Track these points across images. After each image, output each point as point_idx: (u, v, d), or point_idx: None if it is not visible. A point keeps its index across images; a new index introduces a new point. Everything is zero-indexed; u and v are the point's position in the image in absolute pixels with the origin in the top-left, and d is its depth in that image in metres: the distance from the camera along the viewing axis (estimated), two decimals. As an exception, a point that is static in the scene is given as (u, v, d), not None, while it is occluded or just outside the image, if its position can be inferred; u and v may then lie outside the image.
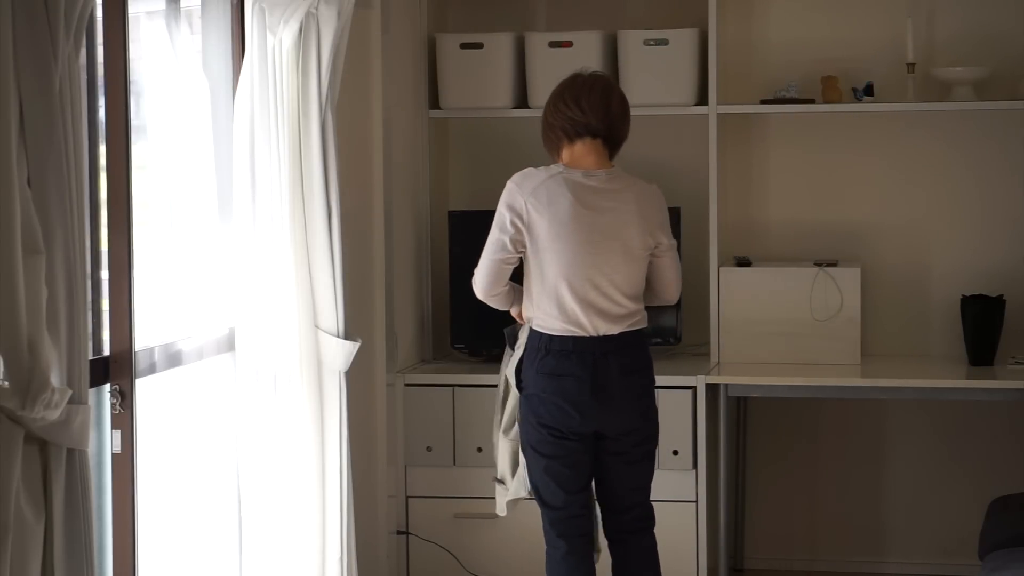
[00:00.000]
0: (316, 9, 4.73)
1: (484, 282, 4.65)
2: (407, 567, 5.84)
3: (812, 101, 5.93)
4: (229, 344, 4.76)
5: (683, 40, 5.91)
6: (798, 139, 6.14)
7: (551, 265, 4.54)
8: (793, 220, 6.15)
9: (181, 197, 4.60)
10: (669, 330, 5.91)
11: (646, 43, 5.92)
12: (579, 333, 4.55)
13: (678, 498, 5.61)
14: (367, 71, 5.51)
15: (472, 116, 6.16)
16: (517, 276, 4.68)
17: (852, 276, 5.83)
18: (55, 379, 3.34)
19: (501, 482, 4.81)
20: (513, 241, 4.56)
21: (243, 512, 4.79)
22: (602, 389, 4.55)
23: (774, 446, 6.20)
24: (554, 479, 4.60)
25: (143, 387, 4.15)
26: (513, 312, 4.73)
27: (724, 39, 6.02)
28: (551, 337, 4.56)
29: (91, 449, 3.51)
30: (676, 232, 5.68)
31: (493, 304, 4.72)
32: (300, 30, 4.71)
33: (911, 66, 5.84)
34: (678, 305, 5.84)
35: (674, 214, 5.60)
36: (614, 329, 4.57)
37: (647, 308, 4.69)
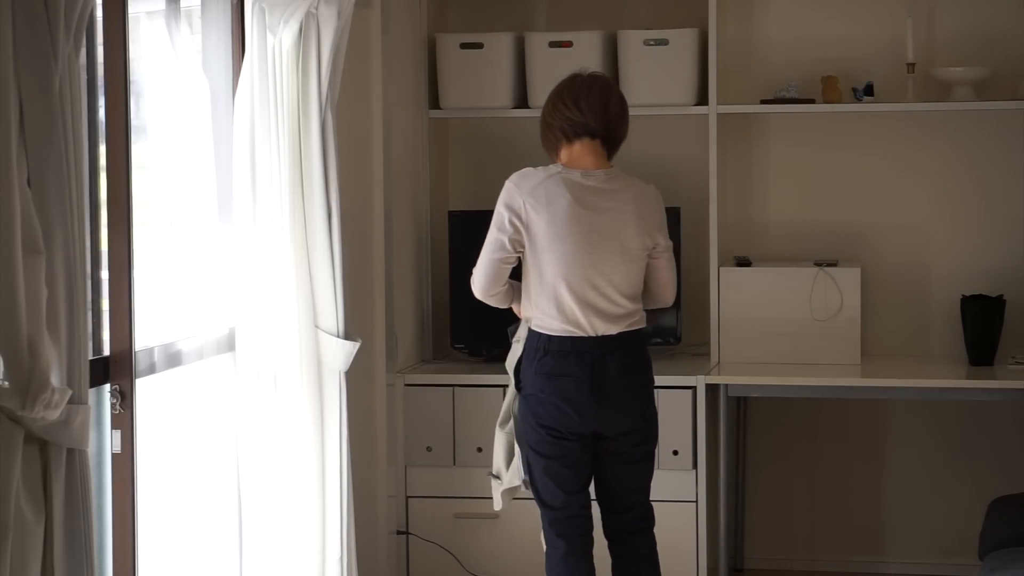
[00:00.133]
0: (316, 9, 4.73)
1: (483, 282, 4.65)
2: (407, 567, 5.84)
3: (812, 101, 5.93)
4: (229, 344, 4.76)
5: (683, 40, 5.91)
6: (798, 139, 6.14)
7: (549, 265, 4.54)
8: (793, 220, 6.15)
9: (181, 197, 4.60)
10: (669, 330, 5.91)
11: (646, 43, 5.92)
12: (578, 333, 4.55)
13: (678, 498, 5.61)
14: (367, 71, 5.51)
15: (472, 116, 6.16)
16: (516, 273, 4.68)
17: (852, 276, 5.83)
18: (55, 379, 3.34)
19: (497, 477, 4.81)
20: (512, 241, 4.56)
21: (243, 512, 4.79)
22: (601, 389, 4.55)
23: (774, 446, 6.20)
24: (553, 479, 4.60)
25: (143, 387, 4.15)
26: (515, 308, 4.73)
27: (724, 39, 6.02)
28: (550, 337, 4.56)
29: (91, 449, 3.51)
30: (676, 232, 5.70)
31: (492, 303, 4.72)
32: (300, 30, 4.71)
33: (911, 66, 5.84)
34: (678, 305, 5.84)
35: (674, 214, 5.61)
36: (613, 329, 4.57)
37: (644, 310, 4.70)
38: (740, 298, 5.88)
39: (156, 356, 4.33)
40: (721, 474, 5.64)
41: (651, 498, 4.75)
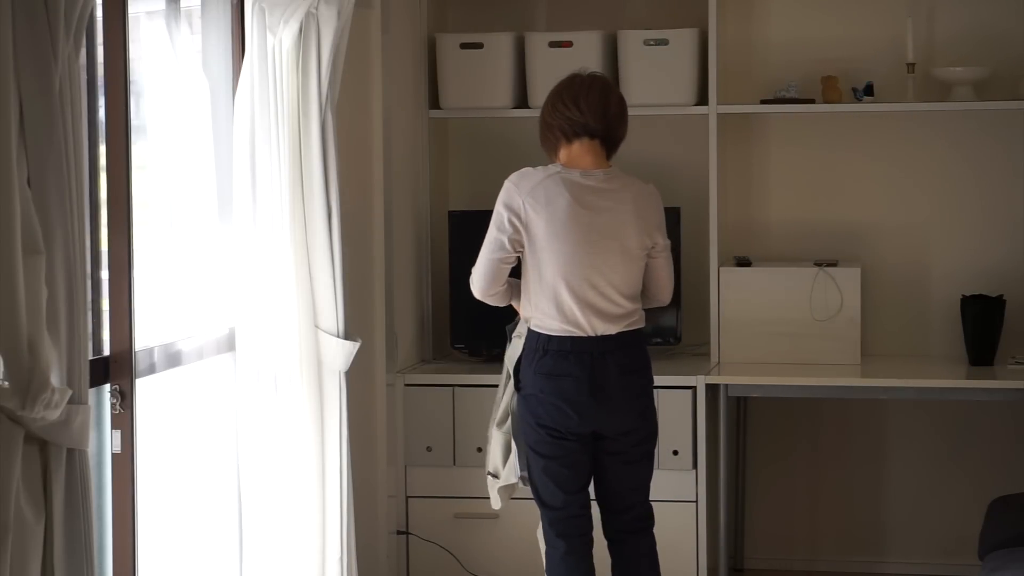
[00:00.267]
0: (316, 9, 4.73)
1: (482, 281, 4.65)
2: (407, 567, 5.84)
3: (812, 101, 5.93)
4: (229, 344, 4.76)
5: (683, 40, 5.92)
6: (798, 139, 6.14)
7: (549, 265, 4.55)
8: (793, 220, 6.15)
9: (181, 197, 4.60)
10: (669, 330, 5.91)
11: (646, 43, 5.92)
12: (577, 333, 4.55)
13: (678, 498, 5.61)
14: (367, 71, 5.50)
15: (472, 116, 6.16)
16: (516, 271, 4.68)
17: (852, 276, 5.83)
18: (55, 379, 3.34)
19: (494, 476, 4.82)
20: (511, 240, 4.56)
21: (243, 512, 4.79)
22: (600, 389, 4.55)
23: (774, 446, 6.20)
24: (553, 479, 4.60)
25: (143, 387, 4.15)
26: (514, 305, 4.73)
27: (724, 39, 6.02)
28: (549, 337, 4.56)
29: (91, 449, 3.51)
30: (676, 232, 5.71)
31: (491, 302, 4.72)
32: (300, 30, 4.71)
33: (911, 66, 5.84)
34: (678, 305, 5.85)
35: (674, 214, 5.62)
36: (612, 329, 4.57)
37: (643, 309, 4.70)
38: (740, 298, 5.88)
39: (156, 356, 4.33)
40: (721, 474, 5.64)
41: (651, 498, 4.75)
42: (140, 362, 4.14)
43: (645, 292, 4.70)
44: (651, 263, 4.67)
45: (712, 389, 5.65)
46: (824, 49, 6.04)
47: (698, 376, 5.64)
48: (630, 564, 4.71)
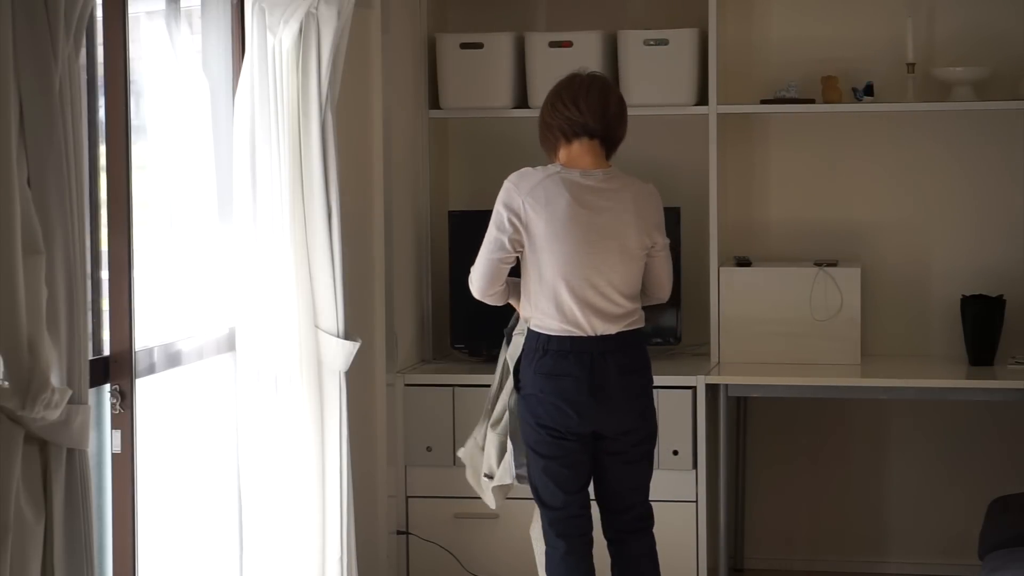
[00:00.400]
0: (316, 9, 4.73)
1: (481, 281, 4.65)
2: (407, 567, 5.84)
3: (812, 101, 5.93)
4: (229, 344, 4.76)
5: (683, 40, 5.91)
6: (798, 139, 6.14)
7: (549, 265, 4.54)
8: (793, 220, 6.15)
9: (181, 197, 4.60)
10: (669, 330, 5.91)
11: (646, 43, 5.92)
12: (577, 333, 4.55)
13: (678, 498, 5.61)
14: (367, 71, 5.50)
15: (472, 116, 6.16)
16: (515, 271, 4.68)
17: (852, 276, 5.83)
18: (55, 379, 3.34)
19: (489, 477, 4.82)
20: (511, 240, 4.56)
21: (243, 512, 4.79)
22: (600, 389, 4.55)
23: (774, 446, 6.20)
24: (553, 479, 4.60)
25: (143, 387, 4.15)
26: (513, 304, 4.73)
27: (724, 39, 6.02)
28: (549, 337, 4.56)
29: (91, 449, 3.51)
30: (676, 232, 5.71)
31: (489, 302, 4.72)
32: (300, 30, 4.71)
33: (911, 66, 5.84)
34: (678, 305, 5.85)
35: (674, 214, 5.62)
36: (612, 329, 4.57)
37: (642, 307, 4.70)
38: (740, 298, 5.88)
39: (156, 356, 4.33)
40: (721, 474, 5.64)
41: (651, 498, 4.75)
42: (140, 362, 4.14)
43: (644, 289, 4.70)
44: (650, 262, 4.67)
45: (712, 389, 5.65)
46: (824, 49, 6.04)
47: (698, 376, 5.64)
48: (630, 564, 4.71)
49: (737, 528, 6.13)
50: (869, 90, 5.87)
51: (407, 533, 5.83)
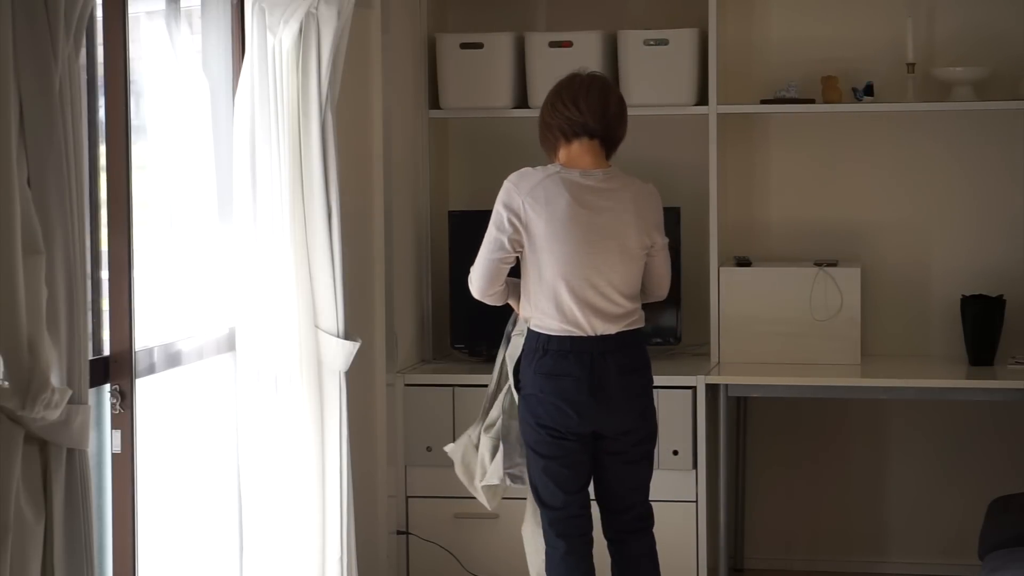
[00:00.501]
0: (316, 9, 4.73)
1: (480, 281, 4.65)
2: (407, 567, 5.84)
3: (812, 101, 5.93)
4: (229, 344, 4.76)
5: (683, 40, 5.91)
6: (798, 139, 6.14)
7: (549, 265, 4.54)
8: (793, 220, 6.15)
9: (181, 197, 4.60)
10: (669, 330, 5.91)
11: (646, 43, 5.92)
12: (577, 333, 4.55)
13: (678, 498, 5.61)
14: (367, 71, 5.51)
15: (472, 116, 6.16)
16: (515, 271, 4.68)
17: (852, 276, 5.83)
18: (55, 379, 3.34)
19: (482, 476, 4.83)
20: (511, 240, 4.56)
21: (243, 512, 4.79)
22: (600, 389, 4.55)
23: (774, 446, 6.20)
24: (553, 479, 4.60)
25: (143, 387, 4.15)
26: (512, 304, 4.73)
27: (724, 39, 6.02)
28: (549, 337, 4.56)
29: (91, 449, 3.51)
30: (676, 232, 5.71)
31: (489, 302, 4.72)
32: (300, 30, 4.71)
33: (911, 66, 5.84)
34: (678, 305, 5.85)
35: (674, 214, 5.62)
36: (612, 329, 4.57)
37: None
38: (740, 298, 5.88)
39: (156, 356, 4.33)
40: (721, 474, 5.64)
41: (651, 498, 4.75)
42: (140, 362, 4.14)
43: (643, 288, 4.70)
44: (650, 261, 4.68)
45: (712, 389, 5.65)
46: (824, 49, 6.04)
47: (698, 376, 5.64)
48: (630, 564, 4.71)
49: (737, 528, 6.13)
50: (869, 90, 5.87)
51: (407, 533, 5.83)
